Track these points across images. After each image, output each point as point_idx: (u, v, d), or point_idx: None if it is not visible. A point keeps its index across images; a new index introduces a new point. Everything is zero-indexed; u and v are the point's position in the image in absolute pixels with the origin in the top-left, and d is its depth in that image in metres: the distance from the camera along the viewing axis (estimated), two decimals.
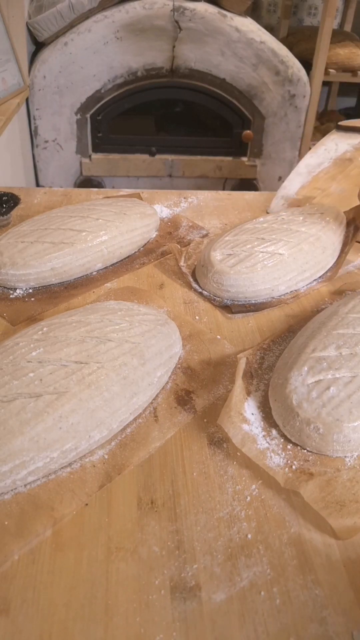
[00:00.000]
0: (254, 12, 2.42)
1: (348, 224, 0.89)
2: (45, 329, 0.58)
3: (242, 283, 0.74)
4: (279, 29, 2.44)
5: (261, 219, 0.85)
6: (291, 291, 0.78)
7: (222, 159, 2.03)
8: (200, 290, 0.78)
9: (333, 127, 2.22)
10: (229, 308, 0.74)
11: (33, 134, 1.87)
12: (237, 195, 1.08)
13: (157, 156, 2.00)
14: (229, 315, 0.73)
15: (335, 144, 1.11)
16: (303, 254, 0.78)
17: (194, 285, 0.79)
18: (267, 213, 0.96)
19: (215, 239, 0.83)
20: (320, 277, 0.82)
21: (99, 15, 1.72)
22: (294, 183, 1.04)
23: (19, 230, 0.80)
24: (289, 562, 0.44)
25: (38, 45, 1.85)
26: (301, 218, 0.85)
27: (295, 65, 1.85)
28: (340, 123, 1.16)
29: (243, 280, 0.74)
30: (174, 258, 0.85)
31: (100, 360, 0.54)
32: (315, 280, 0.81)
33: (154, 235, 0.91)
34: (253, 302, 0.76)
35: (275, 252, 0.76)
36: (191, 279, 0.80)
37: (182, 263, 0.83)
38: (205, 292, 0.77)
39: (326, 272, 0.83)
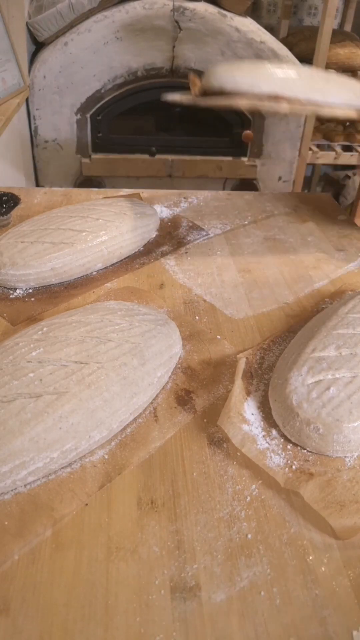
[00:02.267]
0: (254, 12, 2.42)
1: None
2: (45, 329, 0.58)
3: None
4: (279, 29, 2.44)
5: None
6: None
7: (222, 159, 2.03)
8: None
9: (333, 127, 2.22)
10: None
11: (33, 134, 1.87)
12: (237, 195, 1.08)
13: (157, 156, 2.00)
14: None
15: None
16: None
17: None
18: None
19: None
20: None
21: (99, 15, 1.72)
22: None
23: (19, 230, 0.80)
24: (289, 562, 0.44)
25: (38, 45, 1.84)
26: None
27: None
28: None
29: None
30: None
31: (100, 361, 0.54)
32: None
33: (154, 235, 0.91)
34: None
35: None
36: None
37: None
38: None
39: None
